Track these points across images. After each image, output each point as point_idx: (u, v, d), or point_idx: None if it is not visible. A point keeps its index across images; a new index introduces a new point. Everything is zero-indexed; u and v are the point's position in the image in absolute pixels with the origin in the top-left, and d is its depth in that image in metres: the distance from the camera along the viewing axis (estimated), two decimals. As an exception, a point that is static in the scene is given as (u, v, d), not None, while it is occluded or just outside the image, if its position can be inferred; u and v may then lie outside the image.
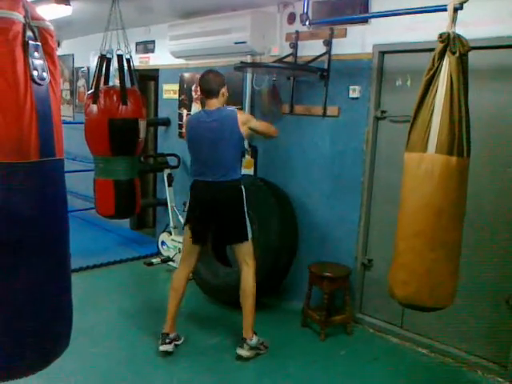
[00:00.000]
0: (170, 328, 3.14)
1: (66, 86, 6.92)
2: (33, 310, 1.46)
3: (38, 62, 1.40)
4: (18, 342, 1.43)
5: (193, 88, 4.82)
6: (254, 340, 3.14)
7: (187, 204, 3.18)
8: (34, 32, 1.39)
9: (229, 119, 3.01)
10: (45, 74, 1.42)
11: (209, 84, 3.06)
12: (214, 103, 3.07)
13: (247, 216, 3.10)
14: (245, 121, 3.05)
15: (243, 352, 3.10)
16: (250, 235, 3.11)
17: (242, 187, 3.09)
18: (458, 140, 2.10)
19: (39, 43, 1.41)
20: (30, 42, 1.38)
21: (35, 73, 1.38)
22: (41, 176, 1.43)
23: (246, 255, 3.12)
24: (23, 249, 1.41)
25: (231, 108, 3.13)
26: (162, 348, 3.09)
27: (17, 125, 1.35)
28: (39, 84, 1.39)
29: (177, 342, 3.19)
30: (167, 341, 3.11)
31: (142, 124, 3.33)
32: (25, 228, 1.40)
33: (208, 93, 3.07)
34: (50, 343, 1.54)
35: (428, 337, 3.31)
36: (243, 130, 3.02)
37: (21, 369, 1.47)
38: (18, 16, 1.36)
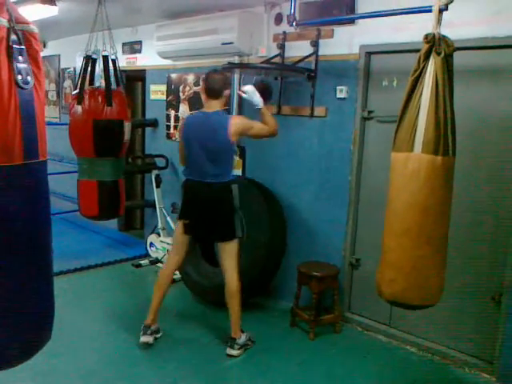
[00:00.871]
0: (151, 320, 3.20)
1: (52, 87, 6.86)
2: (15, 307, 1.47)
3: (23, 66, 1.39)
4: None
5: (180, 89, 4.81)
6: (243, 338, 3.18)
7: (180, 201, 3.24)
8: (18, 36, 1.38)
9: (221, 127, 3.00)
10: (29, 78, 1.41)
11: (216, 84, 3.03)
12: (215, 104, 3.05)
13: (237, 214, 3.13)
14: (239, 131, 3.02)
15: (234, 352, 3.14)
16: (238, 234, 3.15)
17: (234, 186, 3.11)
18: (443, 139, 2.12)
19: (23, 47, 1.41)
20: (15, 46, 1.37)
21: (19, 77, 1.38)
22: (25, 178, 1.45)
23: (231, 254, 3.15)
24: (6, 249, 1.42)
25: (227, 115, 3.13)
26: (143, 339, 3.15)
27: (1, 128, 1.35)
28: (23, 88, 1.39)
29: (156, 336, 3.24)
30: (148, 332, 3.17)
31: (127, 125, 3.32)
32: (9, 229, 1.42)
33: (213, 93, 3.04)
34: (33, 337, 1.57)
35: (416, 335, 3.34)
36: (233, 139, 3.02)
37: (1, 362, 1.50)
38: (2, 21, 1.36)
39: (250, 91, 3.09)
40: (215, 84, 3.03)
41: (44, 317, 1.60)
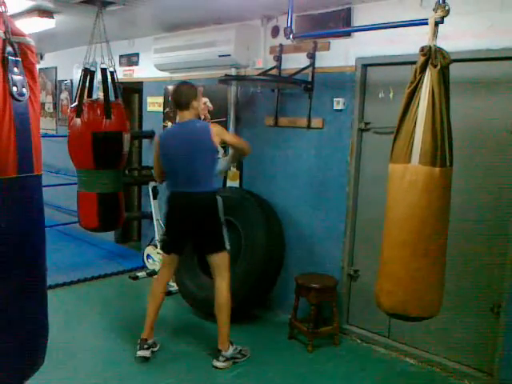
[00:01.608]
0: (148, 334, 3.19)
1: (49, 98, 6.86)
2: (7, 326, 1.44)
3: (18, 78, 1.38)
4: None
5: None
6: (230, 351, 3.16)
7: (164, 217, 3.25)
8: (14, 48, 1.38)
9: (202, 131, 3.03)
10: (24, 90, 1.40)
11: (181, 96, 3.08)
12: (186, 115, 3.09)
13: (224, 226, 3.13)
14: (218, 133, 3.06)
15: (219, 364, 3.13)
16: (227, 246, 3.13)
17: (218, 198, 3.12)
18: (440, 151, 2.13)
19: (19, 59, 1.40)
20: (10, 57, 1.36)
21: (14, 89, 1.37)
22: (18, 192, 1.43)
23: (221, 266, 3.14)
24: None
25: (204, 122, 3.16)
26: (140, 353, 3.14)
27: None
28: (18, 100, 1.38)
29: (153, 349, 3.23)
30: (145, 347, 3.15)
31: (126, 137, 3.32)
32: (1, 242, 1.40)
33: (180, 105, 3.09)
34: (25, 360, 1.52)
35: (415, 347, 3.32)
36: (216, 141, 3.02)
37: None
38: None
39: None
40: (181, 96, 3.07)
41: (38, 341, 1.55)
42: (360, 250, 3.60)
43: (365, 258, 3.55)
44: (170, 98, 3.24)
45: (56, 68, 6.66)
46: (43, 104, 6.93)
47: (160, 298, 3.22)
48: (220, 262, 3.13)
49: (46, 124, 6.81)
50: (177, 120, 3.20)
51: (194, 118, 3.12)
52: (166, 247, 3.24)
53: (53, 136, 6.37)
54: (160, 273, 3.31)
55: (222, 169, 3.53)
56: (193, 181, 3.05)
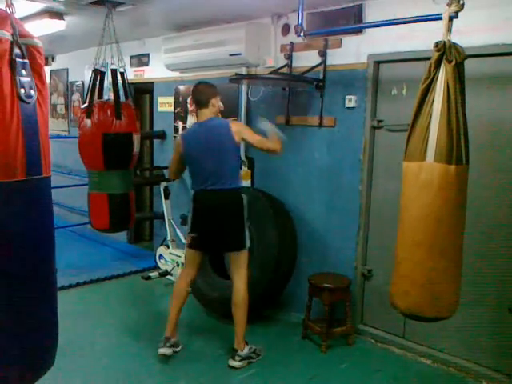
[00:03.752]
0: (171, 332, 3.19)
1: (61, 100, 6.91)
2: (16, 327, 1.44)
3: (26, 80, 1.38)
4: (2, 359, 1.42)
5: (188, 100, 4.81)
6: (246, 350, 3.15)
7: (189, 215, 3.22)
8: (21, 49, 1.37)
9: (223, 128, 3.07)
10: (32, 92, 1.40)
11: (199, 95, 3.14)
12: (206, 113, 3.13)
13: (247, 224, 3.14)
14: (238, 130, 3.08)
15: (235, 363, 3.12)
16: (247, 244, 3.14)
17: (243, 196, 3.12)
18: (456, 148, 2.09)
19: (27, 61, 1.39)
20: (18, 59, 1.36)
21: (22, 91, 1.36)
22: (27, 194, 1.43)
23: (240, 265, 3.14)
24: (8, 264, 1.40)
25: (224, 119, 3.18)
26: (161, 351, 3.14)
27: (3, 143, 1.33)
28: (26, 102, 1.37)
29: (175, 349, 3.22)
30: (168, 344, 3.15)
31: (137, 138, 3.32)
32: (10, 245, 1.40)
33: (199, 103, 3.15)
34: (35, 360, 1.53)
35: (430, 347, 3.27)
36: (237, 138, 3.06)
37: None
38: (5, 34, 1.34)
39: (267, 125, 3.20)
40: (197, 95, 3.15)
41: (47, 341, 1.56)
42: (374, 250, 3.56)
43: (378, 258, 3.50)
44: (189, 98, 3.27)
45: (67, 69, 6.70)
46: (55, 106, 6.98)
47: (181, 298, 3.21)
48: (240, 260, 3.14)
49: (58, 125, 6.86)
50: (198, 119, 3.20)
51: (214, 115, 3.15)
52: (192, 243, 3.21)
53: (65, 137, 6.41)
54: (183, 270, 3.32)
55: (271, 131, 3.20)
56: (217, 178, 3.07)
